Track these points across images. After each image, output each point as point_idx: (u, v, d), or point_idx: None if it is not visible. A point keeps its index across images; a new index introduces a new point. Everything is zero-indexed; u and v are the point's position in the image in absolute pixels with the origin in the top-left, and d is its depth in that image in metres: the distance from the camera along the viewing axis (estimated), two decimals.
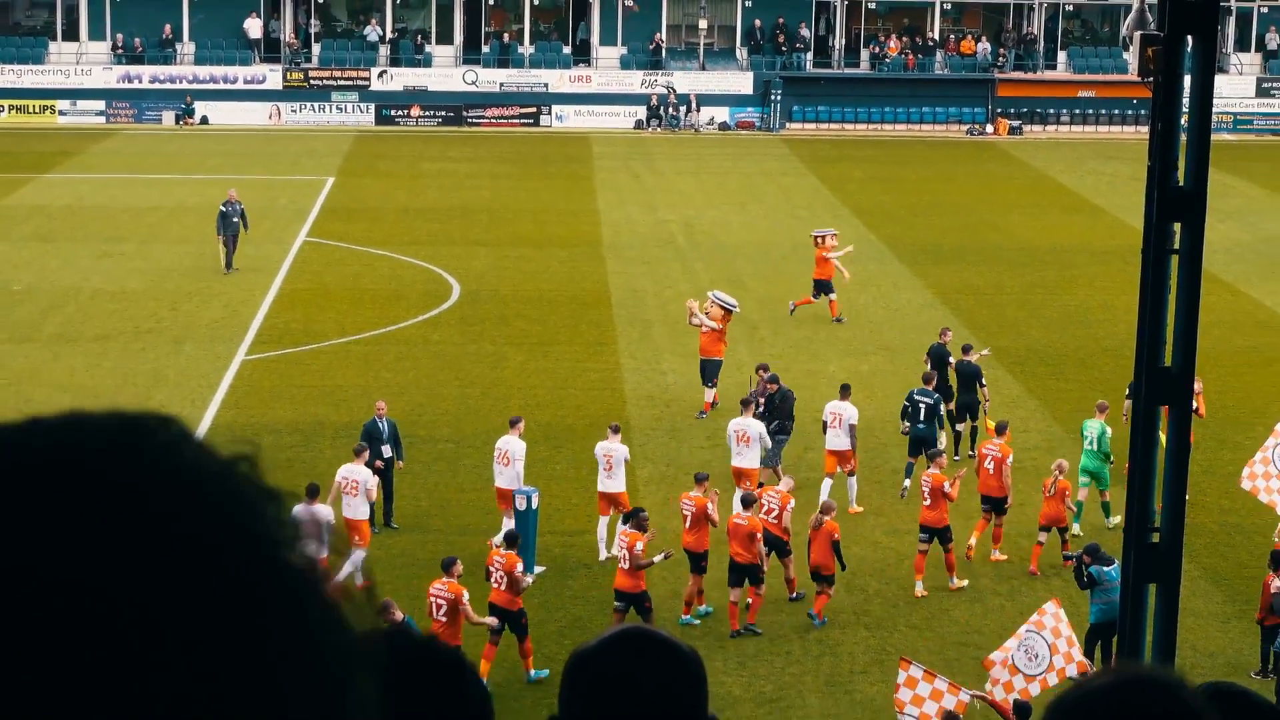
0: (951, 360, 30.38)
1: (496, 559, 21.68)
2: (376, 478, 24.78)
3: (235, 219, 39.84)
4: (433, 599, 21.00)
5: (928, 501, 24.78)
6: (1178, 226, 13.01)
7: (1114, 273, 33.69)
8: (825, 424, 28.04)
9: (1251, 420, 28.92)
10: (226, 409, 31.00)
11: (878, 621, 23.33)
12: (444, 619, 20.56)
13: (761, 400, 27.83)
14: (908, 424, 28.70)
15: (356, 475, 24.69)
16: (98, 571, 1.00)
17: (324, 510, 23.27)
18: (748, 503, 24.00)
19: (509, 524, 24.25)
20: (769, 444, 27.31)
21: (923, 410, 28.41)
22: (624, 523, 23.66)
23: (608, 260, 43.02)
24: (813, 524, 24.03)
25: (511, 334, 35.96)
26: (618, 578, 23.04)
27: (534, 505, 24.41)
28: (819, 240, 36.86)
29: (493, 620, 21.41)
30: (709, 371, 31.29)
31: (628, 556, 22.78)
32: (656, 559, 23.27)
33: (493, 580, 21.37)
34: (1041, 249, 42.83)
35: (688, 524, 23.81)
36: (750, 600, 23.47)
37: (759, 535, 23.56)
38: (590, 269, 42.09)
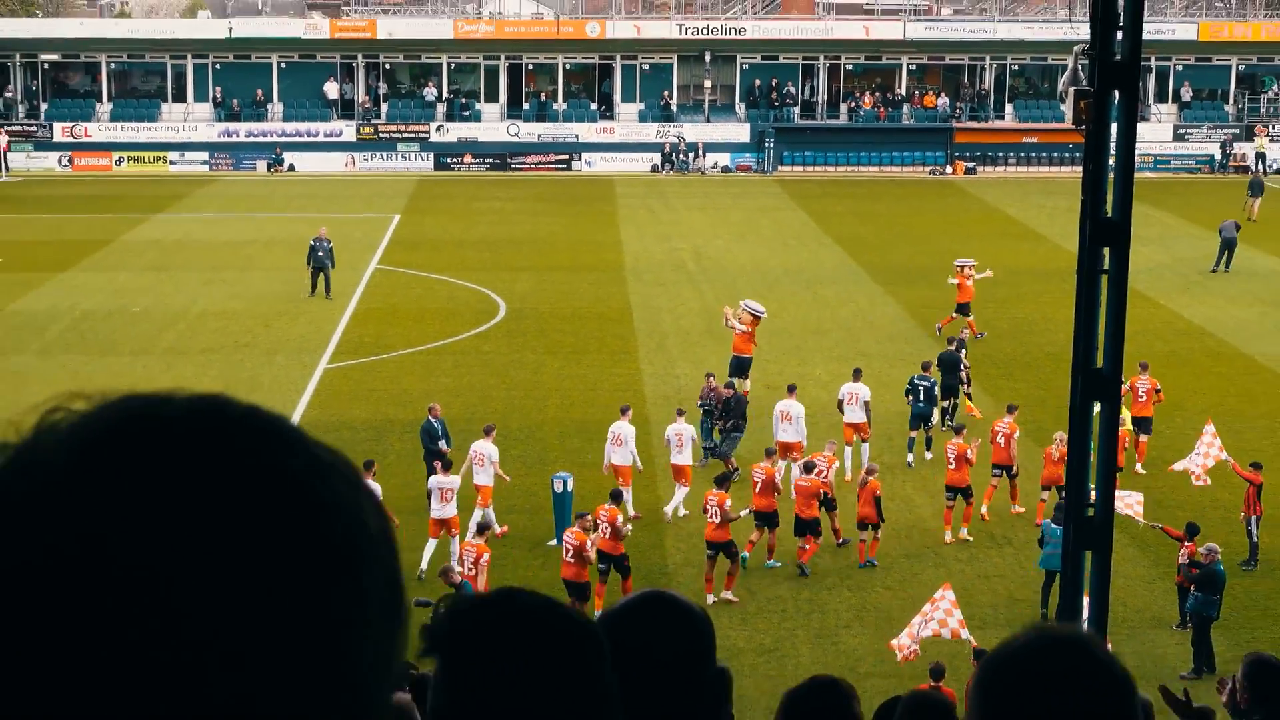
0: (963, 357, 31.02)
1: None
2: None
3: (321, 253, 39.84)
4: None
5: (953, 466, 25.00)
6: (1107, 251, 12.99)
7: (1054, 290, 33.53)
8: (841, 402, 28.34)
9: (1170, 412, 28.81)
10: (311, 409, 31.05)
11: (858, 584, 23.24)
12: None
13: (718, 405, 27.52)
14: (909, 401, 28.88)
15: (484, 450, 25.02)
16: (214, 501, 1.04)
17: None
18: (809, 468, 24.11)
19: (627, 494, 24.19)
20: (700, 441, 27.32)
21: (922, 392, 28.71)
22: (717, 485, 23.51)
23: (629, 282, 42.99)
24: (860, 483, 24.36)
25: (549, 345, 35.91)
26: (708, 530, 23.01)
27: (569, 489, 24.32)
28: (961, 269, 36.33)
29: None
30: (741, 367, 31.16)
31: (718, 512, 22.78)
32: (742, 513, 23.40)
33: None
34: (993, 270, 42.73)
35: (758, 489, 23.80)
36: (807, 546, 23.74)
37: (818, 495, 23.93)
38: (614, 290, 42.05)
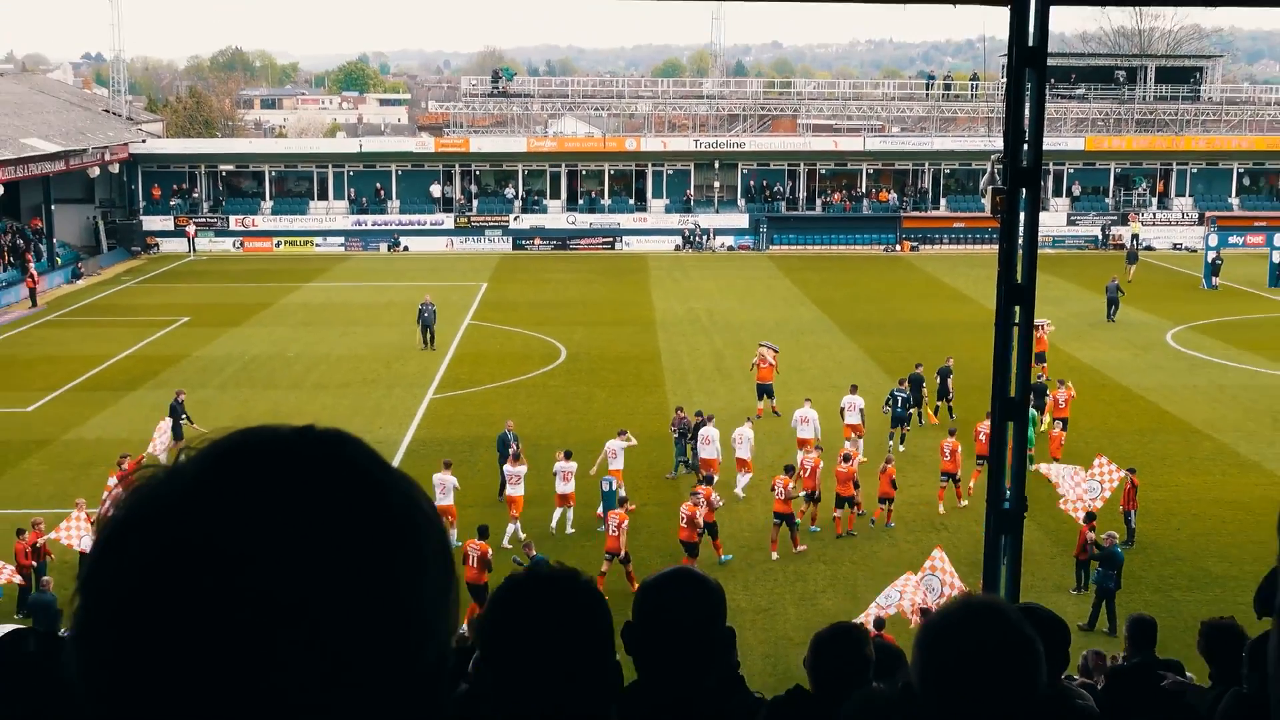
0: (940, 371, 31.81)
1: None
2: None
3: (427, 314, 40.01)
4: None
5: (947, 458, 25.13)
6: (1018, 308, 12.94)
7: (978, 338, 33.24)
8: (843, 410, 28.58)
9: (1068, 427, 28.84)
10: (421, 429, 31.12)
11: (832, 558, 23.15)
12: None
13: (690, 429, 27.14)
14: (887, 410, 29.46)
15: (617, 446, 25.29)
16: (318, 506, 1.07)
17: (450, 478, 23.50)
18: (847, 459, 24.47)
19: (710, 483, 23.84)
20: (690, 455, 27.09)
21: (899, 401, 29.34)
22: (786, 472, 23.84)
23: (658, 333, 43.00)
24: (880, 469, 24.60)
25: (598, 380, 35.93)
26: (775, 505, 23.23)
27: (614, 488, 24.25)
28: (1039, 328, 35.54)
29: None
30: (766, 390, 31.45)
31: (783, 490, 23.11)
32: (801, 493, 23.90)
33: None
34: (932, 323, 42.66)
35: (807, 474, 24.00)
36: (846, 517, 24.29)
37: (852, 479, 24.15)
38: (647, 338, 42.08)
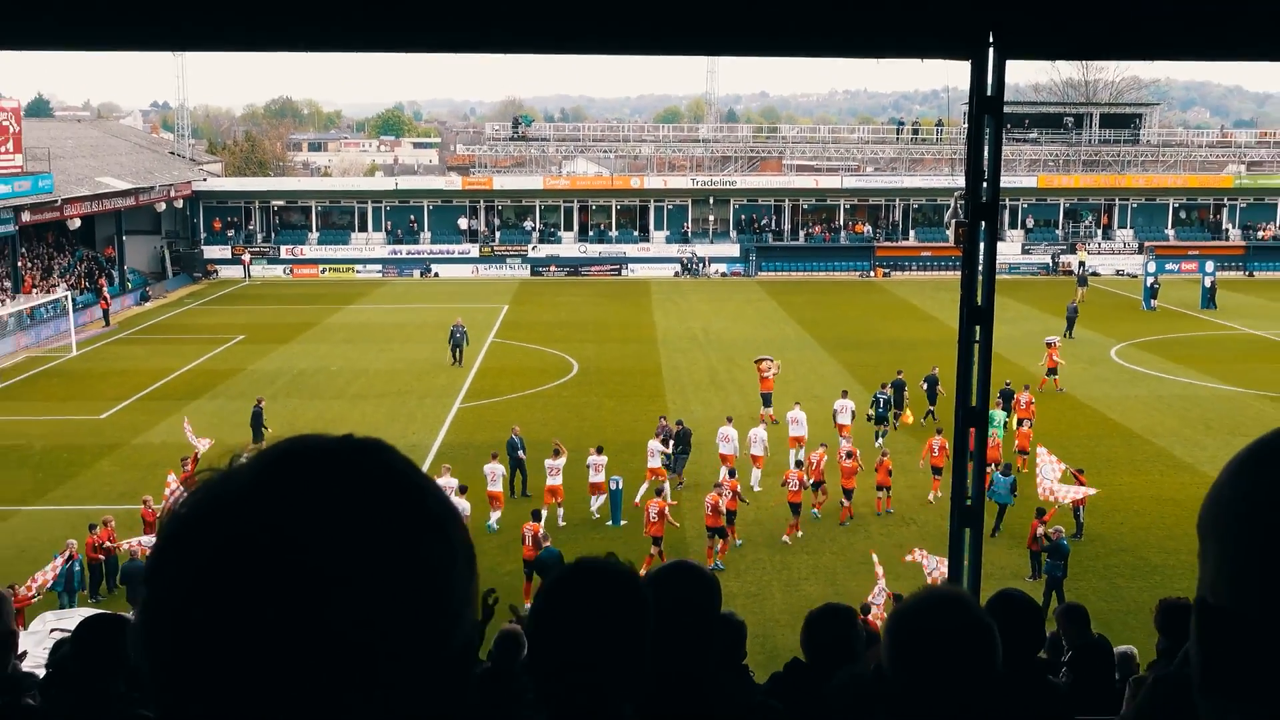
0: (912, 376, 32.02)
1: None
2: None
3: (458, 334, 39.78)
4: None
5: (935, 454, 25.25)
6: (978, 328, 12.87)
7: (943, 354, 33.19)
8: (836, 412, 28.86)
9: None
10: (449, 434, 31.09)
11: (814, 549, 23.06)
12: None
13: (673, 435, 26.63)
14: (872, 410, 29.97)
15: (655, 447, 25.56)
16: (353, 508, 1.06)
17: (499, 467, 24.03)
18: (850, 455, 24.56)
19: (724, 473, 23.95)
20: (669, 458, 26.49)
21: (881, 403, 29.92)
22: (796, 466, 24.12)
23: (660, 349, 42.99)
24: (876, 463, 24.90)
25: (606, 391, 35.88)
26: (789, 496, 23.35)
27: (620, 486, 24.29)
28: (1050, 345, 35.75)
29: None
30: (768, 400, 31.24)
31: (796, 483, 23.33)
32: (810, 483, 23.96)
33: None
34: (902, 341, 42.60)
35: (794, 488, 23.64)
36: (847, 504, 24.35)
37: (856, 471, 24.35)
38: (649, 354, 42.06)
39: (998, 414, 27.42)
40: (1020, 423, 28.78)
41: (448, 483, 23.41)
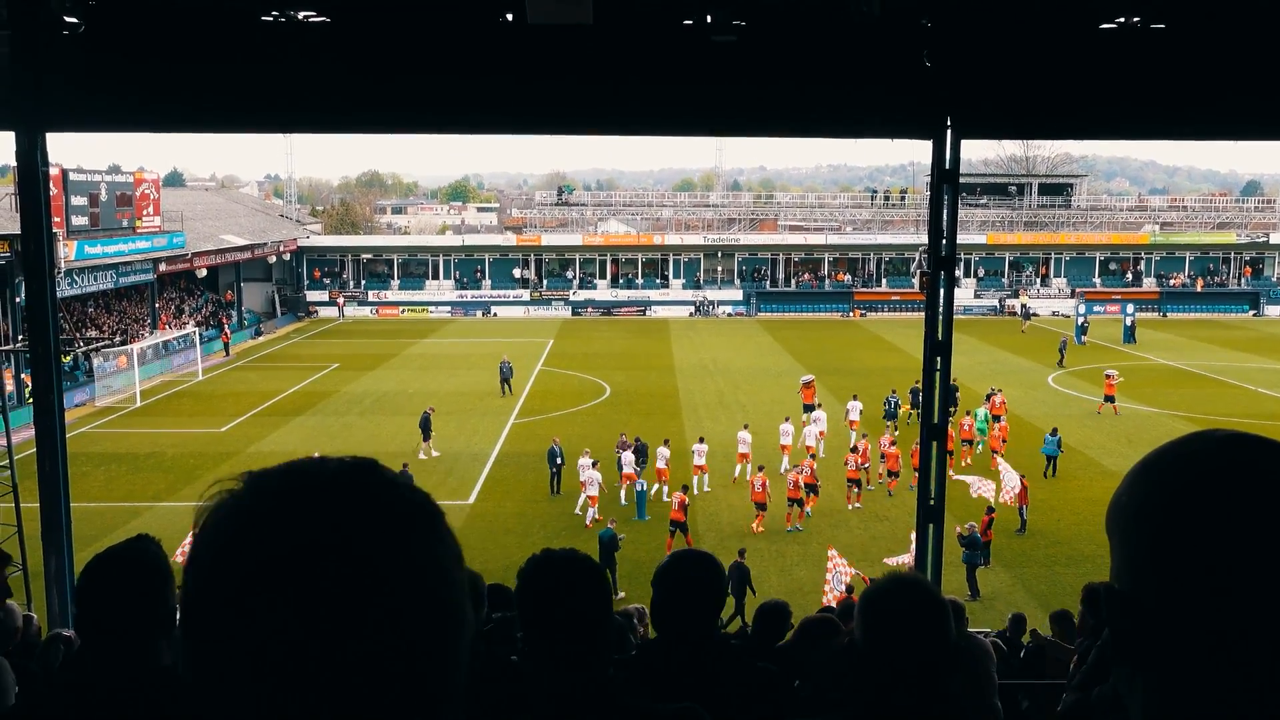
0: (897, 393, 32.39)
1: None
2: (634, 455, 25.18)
3: (506, 370, 39.17)
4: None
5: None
6: (939, 358, 12.85)
7: (909, 378, 33.15)
8: (847, 411, 29.86)
9: (961, 450, 28.65)
10: (505, 445, 30.99)
11: (803, 539, 22.87)
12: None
13: (632, 448, 25.59)
14: (885, 407, 31.53)
15: (701, 448, 25.72)
16: (358, 525, 0.95)
17: (630, 455, 24.77)
18: (855, 449, 24.97)
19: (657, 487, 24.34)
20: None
21: (892, 405, 31.61)
22: (795, 467, 24.19)
23: (677, 376, 42.88)
24: (887, 449, 25.58)
25: (632, 410, 35.73)
26: (788, 492, 23.38)
27: (644, 489, 24.17)
28: (1109, 375, 35.02)
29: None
30: (809, 409, 30.68)
31: (793, 482, 23.33)
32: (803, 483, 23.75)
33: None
34: (875, 369, 42.38)
35: (791, 485, 23.52)
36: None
37: (862, 467, 24.69)
38: (668, 380, 41.95)
39: (981, 410, 29.89)
40: (995, 418, 29.45)
41: (627, 458, 24.73)
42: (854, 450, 25.07)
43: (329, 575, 0.90)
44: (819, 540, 22.87)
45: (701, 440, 26.68)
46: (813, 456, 25.39)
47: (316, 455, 1.03)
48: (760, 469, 23.49)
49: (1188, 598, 1.01)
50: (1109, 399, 34.58)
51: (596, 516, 22.78)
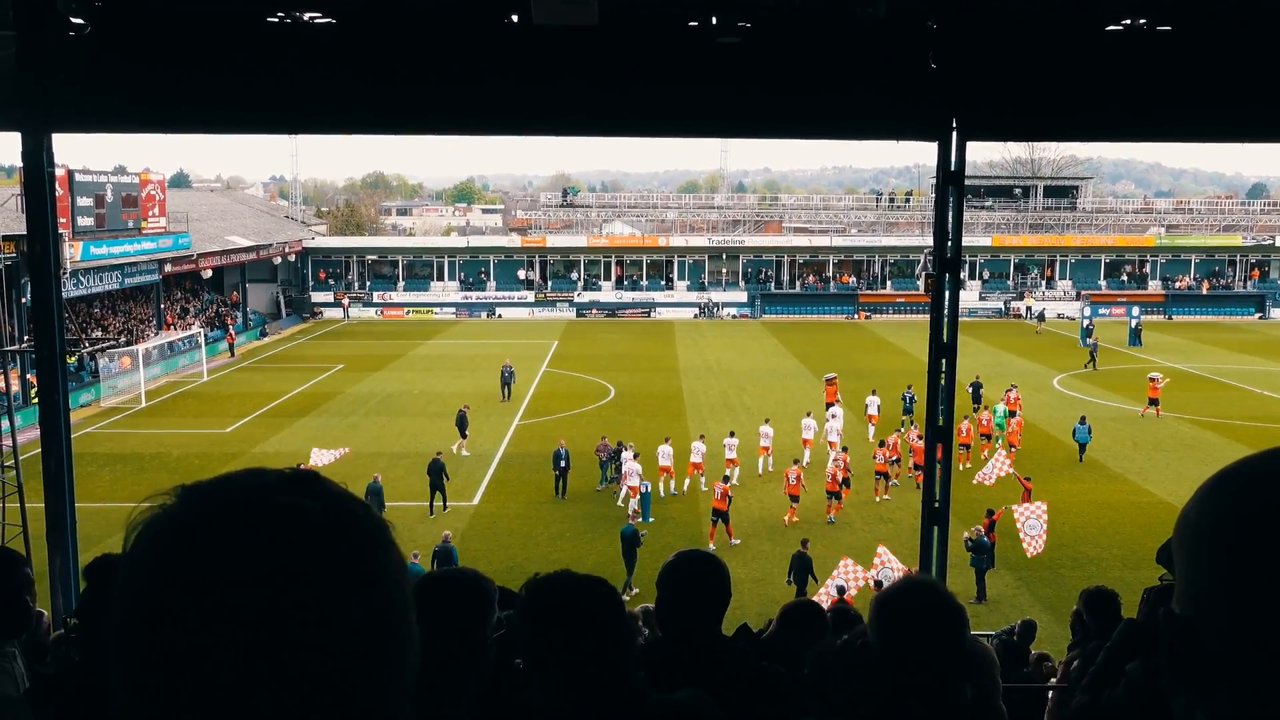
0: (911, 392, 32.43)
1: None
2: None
3: (507, 374, 38.85)
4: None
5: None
6: (944, 360, 12.82)
7: (914, 380, 33.15)
8: (866, 406, 31.30)
9: (979, 444, 28.63)
10: (510, 445, 31.01)
11: (816, 538, 22.83)
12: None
13: (610, 451, 25.88)
14: (903, 403, 32.18)
15: (697, 446, 25.96)
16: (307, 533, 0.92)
17: (668, 448, 25.11)
18: (883, 444, 25.40)
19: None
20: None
21: (908, 400, 32.09)
22: (794, 464, 24.36)
23: (681, 378, 42.86)
24: (908, 450, 25.86)
25: (638, 411, 35.75)
26: (787, 488, 23.63)
27: (648, 489, 24.14)
28: (1153, 378, 34.89)
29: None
30: (832, 408, 30.48)
31: (795, 479, 23.63)
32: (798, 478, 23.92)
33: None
34: (880, 370, 42.33)
35: (793, 482, 23.71)
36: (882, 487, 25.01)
37: (890, 460, 25.09)
38: (673, 381, 41.93)
39: (1000, 405, 31.07)
40: (1011, 414, 30.15)
41: (665, 450, 25.14)
42: (882, 444, 25.50)
43: (263, 595, 0.87)
44: (825, 542, 22.87)
45: (701, 439, 26.80)
46: (844, 449, 25.25)
47: (256, 468, 0.99)
48: (796, 462, 24.38)
49: (1261, 624, 0.93)
50: (1153, 402, 34.35)
51: (636, 508, 22.75)
